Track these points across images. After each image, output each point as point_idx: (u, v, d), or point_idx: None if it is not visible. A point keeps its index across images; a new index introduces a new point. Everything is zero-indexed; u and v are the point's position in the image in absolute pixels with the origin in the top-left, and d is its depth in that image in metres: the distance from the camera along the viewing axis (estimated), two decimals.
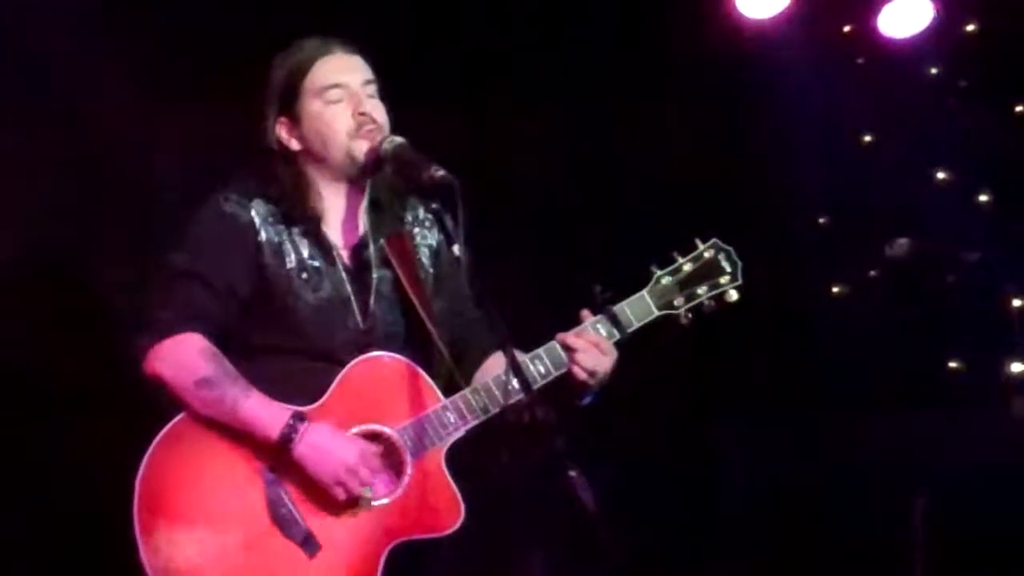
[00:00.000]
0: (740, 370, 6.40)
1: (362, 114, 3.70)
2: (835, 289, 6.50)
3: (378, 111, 3.74)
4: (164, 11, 5.04)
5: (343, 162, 3.73)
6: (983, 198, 6.27)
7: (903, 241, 6.34)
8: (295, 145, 3.77)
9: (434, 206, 3.65)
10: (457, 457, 3.69)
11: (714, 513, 6.39)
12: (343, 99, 3.72)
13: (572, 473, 3.15)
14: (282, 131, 3.77)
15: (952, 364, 6.33)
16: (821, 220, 6.45)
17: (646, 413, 6.16)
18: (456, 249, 3.48)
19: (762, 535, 6.25)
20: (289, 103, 3.75)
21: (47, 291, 4.91)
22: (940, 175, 6.31)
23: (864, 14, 6.21)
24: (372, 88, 3.77)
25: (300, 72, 3.74)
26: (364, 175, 3.76)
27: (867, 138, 6.40)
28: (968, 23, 6.19)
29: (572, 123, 5.99)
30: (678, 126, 6.08)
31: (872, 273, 6.45)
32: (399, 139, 3.68)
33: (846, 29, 6.30)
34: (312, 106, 3.73)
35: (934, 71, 6.27)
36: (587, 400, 3.76)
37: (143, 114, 4.91)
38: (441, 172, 3.51)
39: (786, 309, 6.34)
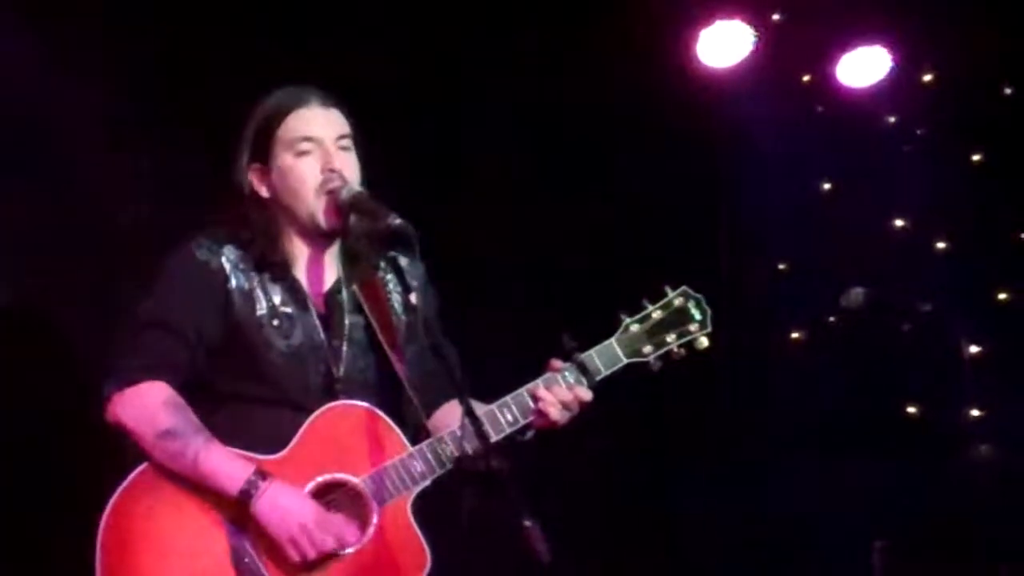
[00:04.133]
0: (696, 415, 6.39)
1: (331, 170, 3.66)
2: (794, 335, 6.52)
3: (348, 166, 3.70)
4: (132, 54, 5.01)
5: (309, 217, 3.70)
6: (940, 245, 6.32)
7: (858, 291, 6.35)
8: (265, 192, 3.75)
9: (391, 254, 3.65)
10: (426, 504, 3.67)
11: (671, 560, 6.38)
12: (313, 152, 3.69)
13: (527, 523, 3.13)
14: (253, 177, 3.75)
15: (909, 409, 6.36)
16: (781, 267, 6.48)
17: (600, 460, 6.15)
18: (413, 297, 3.53)
19: None
20: (261, 151, 3.73)
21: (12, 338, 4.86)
22: (898, 223, 6.36)
23: (823, 64, 6.26)
24: (346, 142, 3.73)
25: (274, 121, 3.71)
26: (330, 231, 3.73)
27: (825, 186, 6.44)
28: (925, 73, 6.26)
29: (535, 173, 6.00)
30: (638, 174, 6.09)
31: (831, 319, 6.46)
32: (356, 188, 3.66)
33: (805, 79, 6.34)
34: (283, 158, 3.70)
35: (892, 120, 6.33)
36: (529, 435, 3.74)
37: (113, 161, 4.87)
38: (398, 221, 3.50)
39: (744, 354, 6.34)
